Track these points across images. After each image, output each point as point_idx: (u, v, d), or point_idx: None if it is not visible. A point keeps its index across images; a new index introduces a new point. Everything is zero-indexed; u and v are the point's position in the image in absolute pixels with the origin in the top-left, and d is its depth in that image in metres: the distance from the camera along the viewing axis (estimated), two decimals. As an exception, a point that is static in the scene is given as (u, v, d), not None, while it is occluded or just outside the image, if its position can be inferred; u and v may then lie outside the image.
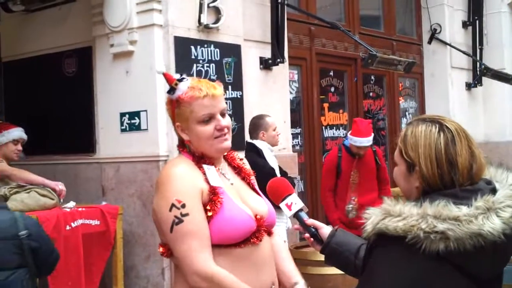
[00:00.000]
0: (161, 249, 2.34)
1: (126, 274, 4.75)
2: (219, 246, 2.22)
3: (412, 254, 1.75)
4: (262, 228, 2.33)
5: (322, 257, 4.56)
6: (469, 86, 8.83)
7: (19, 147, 4.89)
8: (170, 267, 4.73)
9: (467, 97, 8.88)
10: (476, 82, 8.78)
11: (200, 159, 2.33)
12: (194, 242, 2.17)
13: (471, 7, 8.87)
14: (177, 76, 2.31)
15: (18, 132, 4.88)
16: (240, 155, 2.55)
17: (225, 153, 2.45)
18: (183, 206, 2.18)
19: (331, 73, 7.22)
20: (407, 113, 8.55)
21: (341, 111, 7.33)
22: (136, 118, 4.89)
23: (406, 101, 8.57)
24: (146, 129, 4.83)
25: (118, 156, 4.93)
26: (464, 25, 8.87)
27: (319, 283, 4.40)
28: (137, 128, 4.89)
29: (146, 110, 4.83)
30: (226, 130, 2.33)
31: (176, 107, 2.32)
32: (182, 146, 2.40)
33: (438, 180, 1.83)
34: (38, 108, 5.75)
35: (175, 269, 2.38)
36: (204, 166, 2.32)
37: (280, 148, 5.54)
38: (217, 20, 5.09)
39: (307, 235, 2.37)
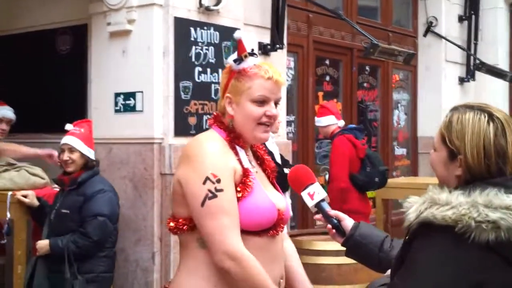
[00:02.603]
0: (172, 224, 2.24)
1: (115, 257, 4.66)
2: (240, 231, 2.14)
3: (460, 244, 1.71)
4: (281, 222, 2.26)
5: (316, 246, 4.54)
6: (462, 81, 8.79)
7: (3, 126, 4.79)
8: (160, 252, 4.66)
9: (460, 91, 8.84)
10: (469, 77, 8.75)
11: (235, 138, 2.25)
12: (226, 219, 2.09)
13: (467, 2, 8.81)
14: (249, 49, 2.24)
15: (2, 111, 4.80)
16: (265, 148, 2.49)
17: None
18: (218, 181, 2.10)
19: (327, 62, 7.15)
20: (399, 105, 8.51)
21: (335, 100, 7.26)
22: (132, 99, 4.78)
23: (399, 93, 8.53)
24: (142, 111, 4.73)
25: (110, 137, 4.82)
26: (460, 19, 8.81)
27: (314, 272, 4.34)
28: (132, 109, 4.78)
29: (142, 91, 4.73)
30: (272, 120, 2.26)
31: (234, 78, 2.25)
32: (216, 120, 2.31)
33: (484, 170, 1.79)
34: (29, 86, 5.61)
35: (182, 248, 2.29)
36: (237, 147, 2.24)
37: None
38: (218, 3, 4.98)
39: (329, 226, 2.30)
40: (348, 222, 2.32)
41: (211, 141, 2.21)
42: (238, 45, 2.27)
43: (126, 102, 4.81)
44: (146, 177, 4.66)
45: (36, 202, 4.23)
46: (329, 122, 5.85)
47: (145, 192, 4.67)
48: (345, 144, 5.71)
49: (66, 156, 4.16)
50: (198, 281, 2.17)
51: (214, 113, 2.38)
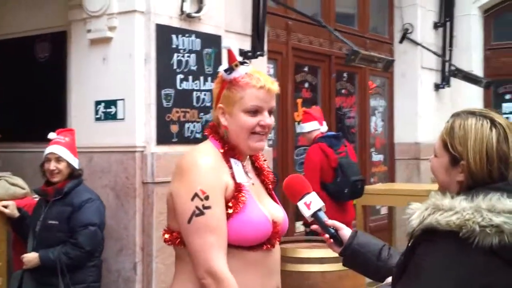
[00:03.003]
0: (166, 236, 2.22)
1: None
2: (232, 246, 2.12)
3: (464, 249, 1.72)
4: (277, 235, 2.24)
5: (300, 254, 4.53)
6: (437, 87, 8.89)
7: None
8: (143, 262, 4.60)
9: (435, 97, 8.94)
10: (444, 83, 8.84)
11: (230, 150, 2.22)
12: (212, 238, 2.07)
13: (442, 9, 8.91)
14: (240, 58, 2.22)
15: None
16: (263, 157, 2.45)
17: None
18: (207, 198, 2.08)
19: (306, 69, 7.17)
20: (376, 112, 8.56)
21: (313, 106, 7.26)
22: (113, 107, 4.72)
23: (376, 99, 8.58)
24: (123, 119, 4.67)
25: (91, 146, 4.75)
26: (435, 26, 8.91)
27: (298, 280, 4.34)
28: (113, 117, 4.72)
29: (123, 99, 4.67)
30: (267, 130, 2.23)
31: (226, 89, 2.22)
32: (212, 131, 2.28)
33: (486, 175, 1.80)
34: (7, 93, 5.52)
35: (177, 260, 2.26)
36: (232, 160, 2.21)
37: (256, 143, 5.46)
38: (199, 10, 4.96)
39: (326, 236, 2.30)
40: (345, 232, 2.32)
41: (205, 156, 2.18)
42: (228, 55, 2.25)
43: (107, 110, 4.75)
44: (128, 186, 4.61)
45: (16, 213, 4.15)
46: (312, 127, 5.86)
47: (127, 201, 4.61)
48: (317, 154, 5.72)
49: (52, 165, 4.09)
50: None
51: (210, 123, 2.36)
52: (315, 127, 5.88)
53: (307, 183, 2.38)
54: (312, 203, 2.30)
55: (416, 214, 1.81)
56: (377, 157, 8.51)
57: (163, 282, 4.60)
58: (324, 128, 5.93)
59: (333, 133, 6.17)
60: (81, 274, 4.05)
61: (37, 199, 4.30)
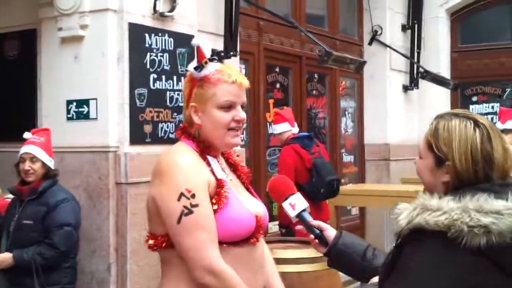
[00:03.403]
0: (151, 242, 2.18)
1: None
2: (219, 243, 2.10)
3: (452, 249, 1.73)
4: (261, 228, 2.23)
5: (276, 255, 4.52)
6: (406, 89, 8.97)
7: None
8: (117, 263, 4.54)
9: (404, 99, 9.03)
10: (413, 85, 8.93)
11: (205, 148, 2.20)
12: (203, 235, 2.05)
13: (410, 11, 9.01)
14: (209, 55, 2.18)
15: None
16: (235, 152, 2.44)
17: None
18: (193, 196, 2.06)
19: (277, 69, 7.17)
20: (346, 113, 8.60)
21: (284, 107, 7.27)
22: (85, 106, 4.65)
23: (346, 100, 8.62)
24: (96, 118, 4.60)
25: (63, 146, 4.66)
26: (404, 28, 9.00)
27: (274, 281, 4.32)
28: (86, 117, 4.65)
29: (96, 99, 4.60)
30: (241, 124, 2.22)
31: (197, 86, 2.20)
32: (183, 131, 2.25)
33: (472, 175, 1.82)
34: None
35: (163, 264, 2.22)
36: (209, 157, 2.19)
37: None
38: (172, 9, 4.92)
39: (311, 236, 2.29)
40: (330, 232, 2.33)
41: (182, 155, 2.16)
42: (197, 52, 2.23)
43: (79, 110, 4.68)
44: (101, 186, 4.54)
45: None
46: (284, 129, 5.87)
47: (99, 202, 4.55)
48: (290, 155, 5.71)
49: (27, 165, 4.02)
50: None
51: (181, 124, 2.34)
52: (287, 128, 5.88)
53: (292, 184, 2.39)
54: (296, 203, 2.30)
55: (404, 214, 1.82)
56: (347, 158, 8.55)
57: (137, 284, 4.54)
58: (295, 129, 5.94)
59: (305, 133, 6.16)
60: (56, 275, 4.00)
61: (9, 199, 4.22)
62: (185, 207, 2.05)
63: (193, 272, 2.07)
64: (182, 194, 2.05)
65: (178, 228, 2.06)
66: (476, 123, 1.86)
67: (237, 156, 2.45)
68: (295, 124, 6.02)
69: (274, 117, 6.18)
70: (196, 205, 2.05)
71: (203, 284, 2.07)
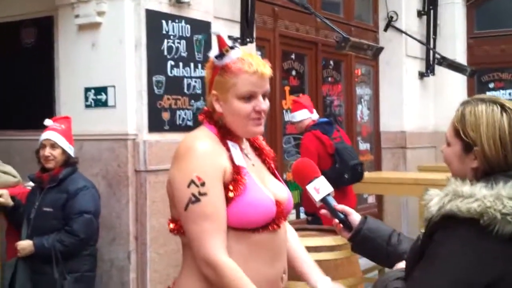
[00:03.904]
0: (171, 225, 2.17)
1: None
2: (237, 229, 2.07)
3: (484, 236, 1.71)
4: (282, 215, 2.19)
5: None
6: (422, 75, 8.89)
7: None
8: (136, 251, 4.53)
9: (420, 86, 8.95)
10: (429, 71, 8.84)
11: (226, 134, 2.16)
12: (207, 225, 2.02)
13: (426, -3, 8.92)
14: (230, 43, 2.14)
15: None
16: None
17: None
18: (203, 184, 2.02)
19: (293, 56, 7.11)
20: (362, 100, 8.55)
21: (301, 95, 7.23)
22: (103, 93, 4.63)
23: (361, 87, 8.56)
24: (114, 106, 4.59)
25: (81, 133, 4.65)
26: (419, 14, 8.90)
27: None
28: (104, 104, 4.64)
29: (114, 86, 4.58)
30: (263, 114, 2.18)
31: (218, 75, 2.15)
32: (206, 116, 2.23)
33: (501, 160, 1.79)
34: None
35: (184, 248, 2.21)
36: (229, 142, 2.15)
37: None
38: (188, -5, 4.89)
39: (336, 221, 2.26)
40: (355, 217, 2.30)
41: (201, 141, 2.12)
42: (218, 40, 2.17)
43: (98, 97, 4.66)
44: (120, 174, 4.53)
45: (10, 202, 4.06)
46: (303, 116, 5.78)
47: (119, 189, 4.53)
48: (312, 141, 5.63)
49: (47, 152, 4.02)
50: (199, 281, 2.11)
51: (204, 108, 2.30)
52: (306, 115, 5.80)
53: (316, 167, 2.35)
54: (321, 187, 2.27)
55: (435, 200, 1.79)
56: (363, 146, 8.50)
57: (156, 271, 4.53)
58: (315, 115, 5.86)
59: (325, 119, 6.08)
60: (75, 263, 3.99)
61: (29, 187, 4.21)
62: (193, 194, 2.02)
63: (196, 260, 2.07)
64: (192, 181, 2.03)
65: (185, 215, 2.05)
66: (503, 107, 1.84)
67: (263, 140, 2.41)
68: (314, 110, 5.94)
69: (292, 105, 6.10)
70: (204, 194, 2.02)
71: (203, 274, 2.06)
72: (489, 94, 9.33)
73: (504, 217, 1.69)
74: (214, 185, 2.05)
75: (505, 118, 1.82)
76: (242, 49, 2.21)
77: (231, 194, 2.07)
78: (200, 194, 2.02)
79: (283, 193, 2.26)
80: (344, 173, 5.60)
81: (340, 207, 2.29)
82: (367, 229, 2.25)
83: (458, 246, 1.75)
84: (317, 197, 2.26)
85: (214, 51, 2.19)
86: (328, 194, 2.27)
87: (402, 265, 2.08)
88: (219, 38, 2.17)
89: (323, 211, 2.32)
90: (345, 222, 2.28)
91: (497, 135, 1.80)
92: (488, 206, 1.71)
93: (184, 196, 2.04)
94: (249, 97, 2.14)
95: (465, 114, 1.86)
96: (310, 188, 2.27)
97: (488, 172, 1.82)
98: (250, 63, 2.14)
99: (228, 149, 2.15)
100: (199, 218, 2.02)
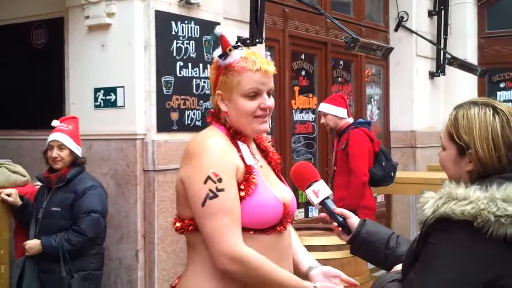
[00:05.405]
0: (178, 224, 2.18)
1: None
2: (245, 230, 2.09)
3: (477, 239, 1.73)
4: (288, 216, 2.21)
5: (303, 242, 4.51)
6: (432, 75, 8.87)
7: None
8: (144, 249, 4.58)
9: (430, 86, 8.94)
10: (439, 71, 8.83)
11: (236, 134, 2.19)
12: (226, 220, 2.04)
13: (437, -3, 8.90)
14: (233, 42, 2.17)
15: None
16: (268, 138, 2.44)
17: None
18: (220, 180, 2.05)
19: (302, 57, 7.13)
20: (372, 100, 8.55)
21: (310, 95, 7.25)
22: (112, 94, 4.68)
23: (371, 87, 8.56)
24: (123, 106, 4.63)
25: (90, 133, 4.71)
26: (430, 14, 8.89)
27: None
28: (113, 104, 4.68)
29: (123, 86, 4.63)
30: (268, 112, 2.20)
31: (222, 74, 2.18)
32: (214, 116, 2.26)
33: (495, 163, 1.81)
34: (3, 81, 5.46)
35: (189, 247, 2.23)
36: (239, 142, 2.18)
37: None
38: (198, -4, 4.92)
39: (334, 224, 2.28)
40: (354, 220, 2.32)
41: (213, 138, 2.15)
42: (221, 41, 2.21)
43: (107, 98, 4.71)
44: (129, 173, 4.57)
45: (19, 201, 4.12)
46: (342, 114, 5.61)
47: (127, 189, 4.58)
48: (364, 137, 5.51)
49: (55, 153, 4.07)
50: (204, 282, 2.13)
51: (211, 109, 2.33)
52: (345, 115, 5.63)
53: (315, 170, 2.36)
54: (320, 190, 2.28)
55: (430, 203, 1.82)
56: (374, 146, 8.47)
57: (164, 270, 4.58)
58: (351, 119, 5.72)
59: (363, 120, 6.03)
60: (83, 262, 4.04)
61: (38, 187, 4.27)
62: (210, 190, 2.04)
63: (214, 257, 2.07)
64: (208, 177, 2.05)
65: (202, 211, 2.06)
66: (495, 110, 1.85)
67: (269, 142, 2.44)
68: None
69: (337, 99, 5.77)
70: (221, 190, 2.05)
71: (225, 271, 2.07)
72: (499, 94, 9.31)
73: (498, 219, 1.71)
74: (230, 181, 2.08)
75: (498, 121, 1.83)
76: (245, 49, 2.24)
77: (242, 194, 2.10)
78: (217, 190, 2.05)
79: (288, 195, 2.28)
80: (390, 171, 5.61)
81: (338, 210, 2.31)
82: (366, 232, 2.27)
83: (453, 249, 1.76)
84: (316, 200, 2.28)
85: (217, 52, 2.22)
86: (327, 198, 2.29)
87: (399, 267, 2.11)
88: (222, 38, 2.21)
89: (322, 214, 2.34)
90: (344, 225, 2.30)
91: (490, 137, 1.82)
92: (481, 209, 1.73)
93: (201, 192, 2.06)
94: (253, 95, 2.17)
95: (458, 118, 1.88)
96: (309, 192, 2.29)
97: (483, 174, 1.84)
98: (254, 61, 2.17)
99: (238, 149, 2.18)
100: (218, 213, 2.04)
